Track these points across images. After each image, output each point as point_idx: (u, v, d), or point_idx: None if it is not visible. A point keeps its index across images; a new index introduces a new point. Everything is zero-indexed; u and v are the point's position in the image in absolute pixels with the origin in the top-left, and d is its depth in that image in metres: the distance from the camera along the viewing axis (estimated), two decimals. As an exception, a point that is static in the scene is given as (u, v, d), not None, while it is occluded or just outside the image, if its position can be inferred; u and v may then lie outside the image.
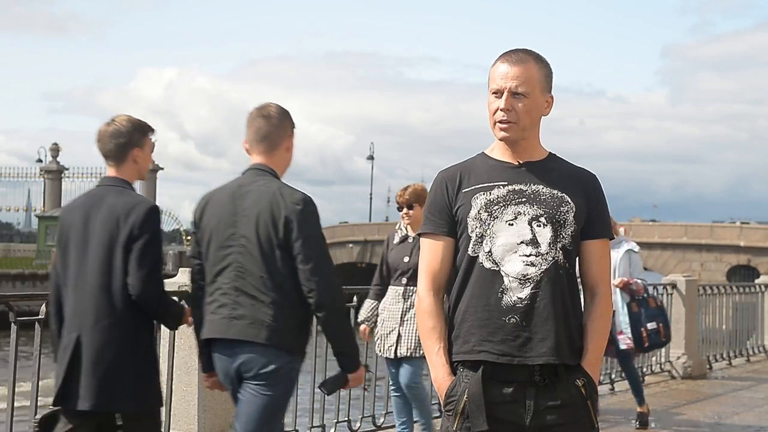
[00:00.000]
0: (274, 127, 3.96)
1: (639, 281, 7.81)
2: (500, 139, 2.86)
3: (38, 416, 3.94)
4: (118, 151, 3.95)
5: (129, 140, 3.95)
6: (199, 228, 3.96)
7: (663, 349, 10.54)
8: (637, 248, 7.88)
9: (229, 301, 3.80)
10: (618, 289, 7.65)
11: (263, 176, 3.90)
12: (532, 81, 2.82)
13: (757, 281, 13.44)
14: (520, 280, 2.77)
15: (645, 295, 7.80)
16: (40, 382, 4.79)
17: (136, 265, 3.74)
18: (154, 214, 3.83)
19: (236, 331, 3.77)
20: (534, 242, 2.78)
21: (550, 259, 2.78)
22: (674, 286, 10.54)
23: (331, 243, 50.39)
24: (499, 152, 2.90)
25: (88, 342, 3.78)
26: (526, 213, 2.80)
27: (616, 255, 7.62)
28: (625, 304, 7.71)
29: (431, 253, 2.90)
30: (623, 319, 7.70)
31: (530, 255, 2.77)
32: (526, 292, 2.76)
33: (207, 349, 3.93)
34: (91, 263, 3.81)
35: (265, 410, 3.83)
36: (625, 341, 7.69)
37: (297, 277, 3.74)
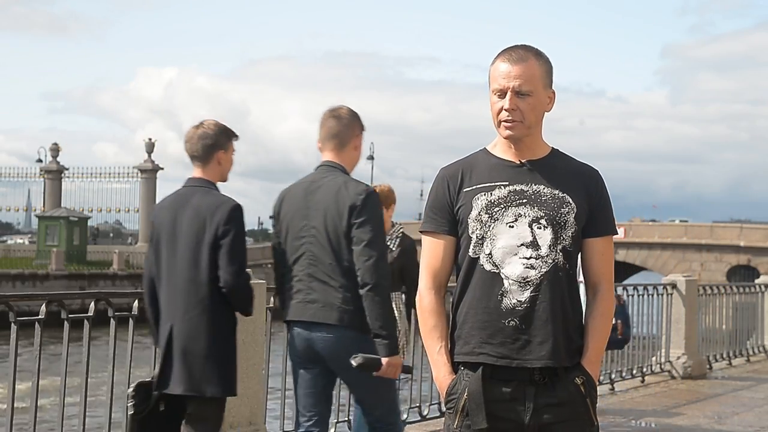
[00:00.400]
0: (344, 127, 4.34)
1: None
2: (505, 138, 2.85)
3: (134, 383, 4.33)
4: (204, 152, 4.28)
5: (215, 142, 4.28)
6: (277, 221, 4.38)
7: (663, 349, 10.56)
8: None
9: (303, 287, 4.23)
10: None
11: (332, 172, 4.27)
12: (534, 79, 2.81)
13: (757, 281, 13.44)
14: (520, 283, 2.78)
15: None
16: (40, 382, 4.79)
17: (227, 260, 4.08)
18: (237, 212, 4.16)
19: (311, 314, 4.20)
20: (534, 245, 2.78)
21: (550, 261, 2.79)
22: (674, 286, 10.54)
23: (331, 243, 50.24)
24: (501, 149, 2.90)
25: (179, 331, 4.16)
26: (526, 215, 2.80)
27: None
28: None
29: (432, 251, 2.91)
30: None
31: (530, 258, 2.78)
32: (525, 295, 2.77)
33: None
34: (179, 258, 4.17)
35: (372, 391, 4.32)
36: None
37: None
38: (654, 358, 10.53)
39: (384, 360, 4.10)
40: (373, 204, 4.14)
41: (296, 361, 4.36)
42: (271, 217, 4.43)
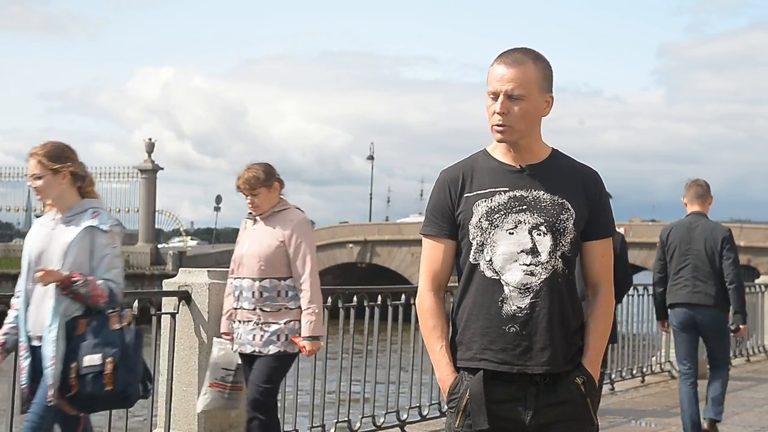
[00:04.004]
0: (705, 191, 6.87)
1: (102, 282, 4.20)
2: (498, 141, 2.86)
3: None
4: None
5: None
6: (666, 243, 6.86)
7: (663, 349, 10.55)
8: (106, 226, 4.28)
9: (689, 284, 6.73)
10: (53, 293, 4.17)
11: (702, 218, 6.84)
12: (528, 83, 2.80)
13: (757, 281, 13.46)
14: (520, 289, 2.78)
15: (106, 307, 4.20)
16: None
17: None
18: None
19: (696, 300, 6.71)
20: (534, 251, 2.79)
21: (550, 268, 2.79)
22: (674, 286, 10.53)
23: (331, 243, 50.35)
24: (500, 152, 2.90)
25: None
26: (526, 222, 2.80)
27: (68, 235, 4.28)
28: (57, 322, 4.15)
29: (432, 254, 2.92)
30: (49, 348, 4.14)
31: (530, 264, 2.79)
32: (526, 301, 2.78)
33: (666, 309, 6.91)
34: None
35: (724, 345, 7.02)
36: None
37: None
38: (654, 358, 10.55)
39: (741, 327, 6.89)
40: (731, 236, 6.76)
41: (679, 328, 6.84)
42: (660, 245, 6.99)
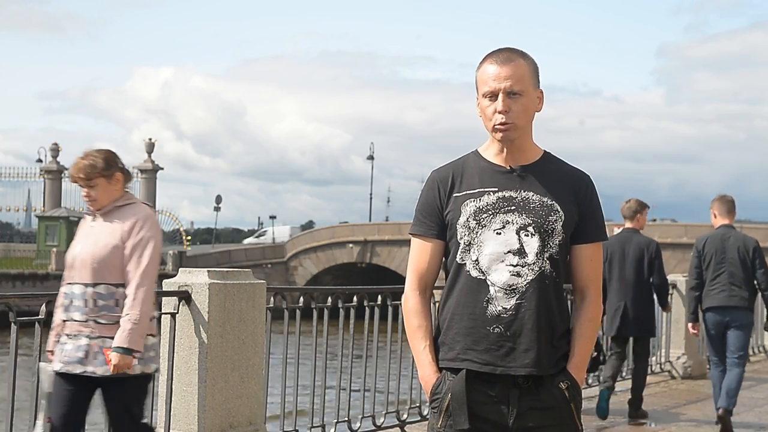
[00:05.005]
0: (733, 205, 7.80)
1: None
2: (499, 140, 2.83)
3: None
4: (631, 214, 8.16)
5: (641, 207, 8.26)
6: (702, 252, 7.71)
7: (663, 349, 10.56)
8: None
9: (725, 289, 7.59)
10: None
11: (732, 230, 7.76)
12: (524, 78, 2.79)
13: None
14: (506, 290, 2.77)
15: None
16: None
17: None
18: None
19: (732, 303, 7.59)
20: (521, 252, 2.77)
21: (537, 269, 2.77)
22: (674, 286, 10.55)
23: (331, 243, 50.34)
24: (492, 153, 2.88)
25: (631, 304, 8.05)
26: (514, 222, 2.79)
27: None
28: None
29: (419, 253, 2.91)
30: None
31: (517, 265, 2.77)
32: (511, 302, 2.76)
33: (698, 312, 7.81)
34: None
35: (746, 339, 7.95)
36: None
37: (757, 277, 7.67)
38: (654, 358, 10.54)
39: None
40: (760, 247, 7.66)
41: (712, 326, 7.68)
42: (697, 254, 7.82)
